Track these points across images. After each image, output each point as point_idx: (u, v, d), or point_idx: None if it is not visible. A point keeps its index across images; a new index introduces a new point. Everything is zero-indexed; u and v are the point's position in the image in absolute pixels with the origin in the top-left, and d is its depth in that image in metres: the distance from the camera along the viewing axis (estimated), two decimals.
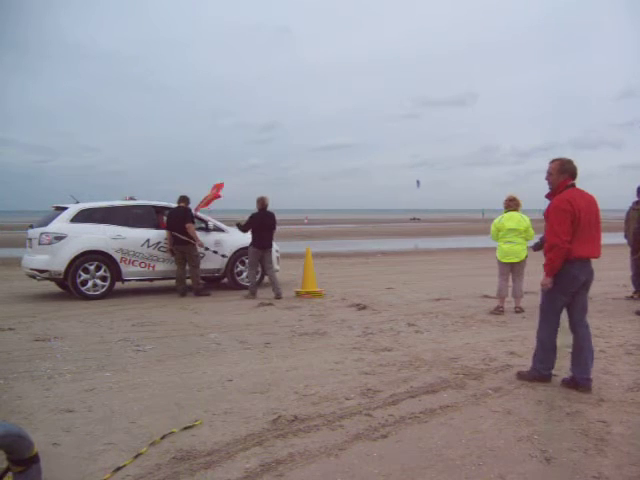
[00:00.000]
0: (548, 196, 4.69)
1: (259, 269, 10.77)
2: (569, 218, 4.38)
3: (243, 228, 10.17)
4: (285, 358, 5.75)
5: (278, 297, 9.76)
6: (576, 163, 4.60)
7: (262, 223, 9.97)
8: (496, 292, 8.43)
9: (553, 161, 4.65)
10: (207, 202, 11.42)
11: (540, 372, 4.78)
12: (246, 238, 11.10)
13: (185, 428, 3.84)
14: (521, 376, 4.87)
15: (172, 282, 10.67)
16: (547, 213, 4.58)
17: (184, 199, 10.45)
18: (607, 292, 9.66)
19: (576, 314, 4.64)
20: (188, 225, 10.05)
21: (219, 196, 11.44)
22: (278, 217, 10.44)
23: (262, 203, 10.07)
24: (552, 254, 4.44)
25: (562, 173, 4.56)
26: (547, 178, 4.68)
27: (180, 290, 10.17)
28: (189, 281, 10.37)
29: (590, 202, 4.54)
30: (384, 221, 63.28)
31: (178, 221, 10.11)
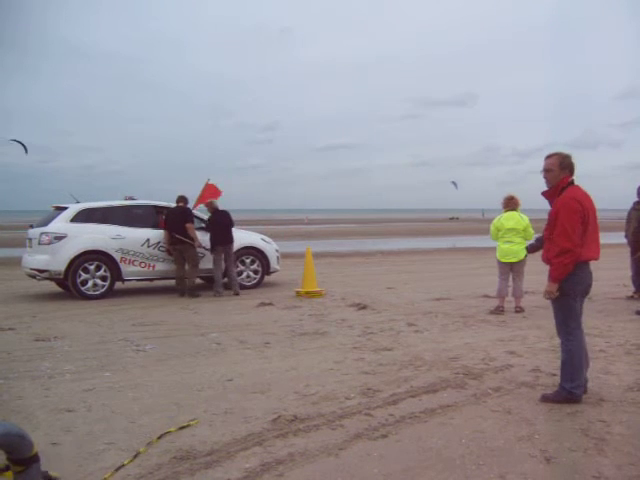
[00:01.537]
0: (546, 194, 4.41)
1: (261, 269, 10.93)
2: (580, 219, 4.11)
3: (208, 230, 10.45)
4: (285, 358, 5.76)
5: (236, 294, 10.19)
6: (573, 158, 4.29)
7: (218, 223, 10.36)
8: (496, 292, 8.43)
9: (550, 156, 4.31)
10: (202, 199, 11.36)
11: (571, 392, 4.23)
12: (246, 238, 11.12)
13: (181, 427, 3.84)
14: (546, 398, 4.31)
15: (172, 282, 10.68)
16: (554, 214, 4.20)
17: (182, 199, 10.46)
18: (607, 292, 9.65)
19: None
20: (188, 225, 10.06)
21: (217, 194, 11.40)
22: (279, 217, 10.53)
23: (211, 206, 10.64)
24: (564, 259, 4.09)
25: (563, 169, 4.26)
26: (545, 175, 4.32)
27: (180, 290, 10.17)
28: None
29: (592, 201, 4.33)
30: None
31: (177, 221, 10.11)
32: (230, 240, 10.31)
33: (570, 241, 4.08)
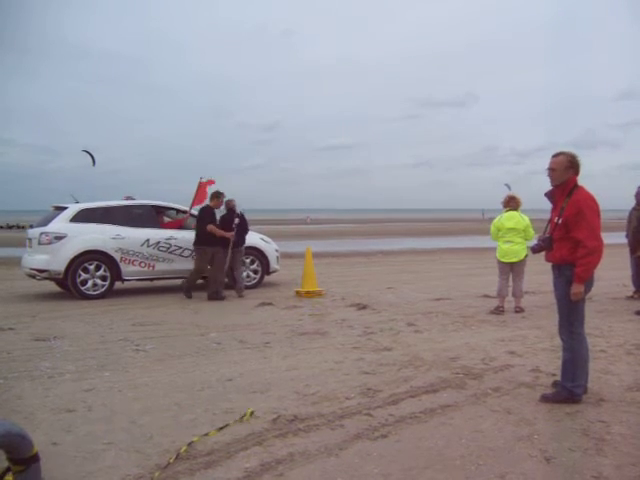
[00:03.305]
0: (551, 194, 4.38)
1: (261, 269, 10.88)
2: (599, 219, 4.16)
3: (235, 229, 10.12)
4: (285, 358, 5.76)
5: (240, 295, 9.99)
6: (579, 158, 4.26)
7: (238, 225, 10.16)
8: (496, 292, 8.43)
9: (557, 155, 4.28)
10: (198, 199, 11.24)
11: (572, 391, 4.26)
12: (249, 238, 11.09)
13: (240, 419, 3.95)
14: (546, 398, 4.33)
15: (172, 282, 10.66)
16: (572, 214, 4.13)
17: (213, 195, 10.15)
18: (607, 292, 9.64)
19: None
20: (210, 227, 9.76)
21: (211, 183, 11.31)
22: (280, 217, 10.40)
23: (229, 205, 10.24)
24: (594, 258, 4.08)
25: (567, 169, 4.22)
26: (549, 174, 4.29)
27: (184, 290, 9.94)
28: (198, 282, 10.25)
29: None
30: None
31: (199, 221, 9.92)
32: (238, 243, 10.18)
33: (598, 240, 4.11)
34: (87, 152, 13.92)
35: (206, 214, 9.93)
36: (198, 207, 11.22)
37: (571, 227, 4.16)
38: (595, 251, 4.09)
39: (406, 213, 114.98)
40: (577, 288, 4.15)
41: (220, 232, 9.79)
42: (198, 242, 9.89)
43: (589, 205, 4.15)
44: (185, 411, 4.21)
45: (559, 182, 4.27)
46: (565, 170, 4.23)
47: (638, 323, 7.44)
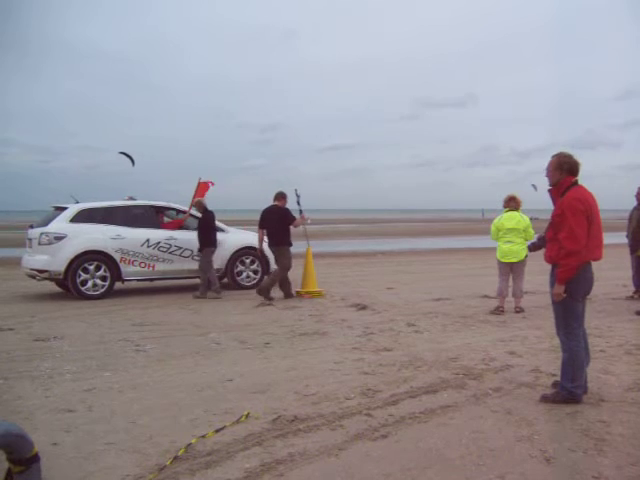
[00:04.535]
0: (549, 193, 4.42)
1: (260, 269, 10.87)
2: (585, 220, 4.13)
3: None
4: (285, 358, 5.75)
5: (201, 296, 9.83)
6: (577, 158, 4.28)
7: (203, 223, 10.12)
8: (496, 292, 8.43)
9: (553, 156, 4.37)
10: (196, 196, 11.20)
11: (572, 392, 4.25)
12: (246, 238, 11.08)
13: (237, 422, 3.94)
14: (546, 399, 4.32)
15: (172, 282, 10.65)
16: (558, 215, 4.20)
17: (279, 196, 9.83)
18: (607, 292, 9.64)
19: None
20: (297, 222, 9.76)
21: (209, 185, 11.27)
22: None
23: (200, 206, 10.27)
24: (571, 260, 4.09)
25: (558, 169, 4.27)
26: (546, 175, 4.38)
27: (285, 293, 9.69)
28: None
29: (595, 200, 4.31)
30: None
31: (277, 221, 9.60)
32: (206, 243, 9.94)
33: (577, 243, 4.08)
34: (124, 154, 13.86)
35: (282, 213, 9.67)
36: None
37: (556, 228, 4.22)
38: (572, 253, 4.09)
39: (406, 213, 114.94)
40: (557, 289, 4.20)
41: (300, 221, 9.88)
42: (276, 243, 9.60)
43: (572, 206, 4.13)
44: (185, 411, 4.21)
45: (553, 183, 4.34)
46: (555, 171, 4.30)
47: (638, 323, 7.44)
